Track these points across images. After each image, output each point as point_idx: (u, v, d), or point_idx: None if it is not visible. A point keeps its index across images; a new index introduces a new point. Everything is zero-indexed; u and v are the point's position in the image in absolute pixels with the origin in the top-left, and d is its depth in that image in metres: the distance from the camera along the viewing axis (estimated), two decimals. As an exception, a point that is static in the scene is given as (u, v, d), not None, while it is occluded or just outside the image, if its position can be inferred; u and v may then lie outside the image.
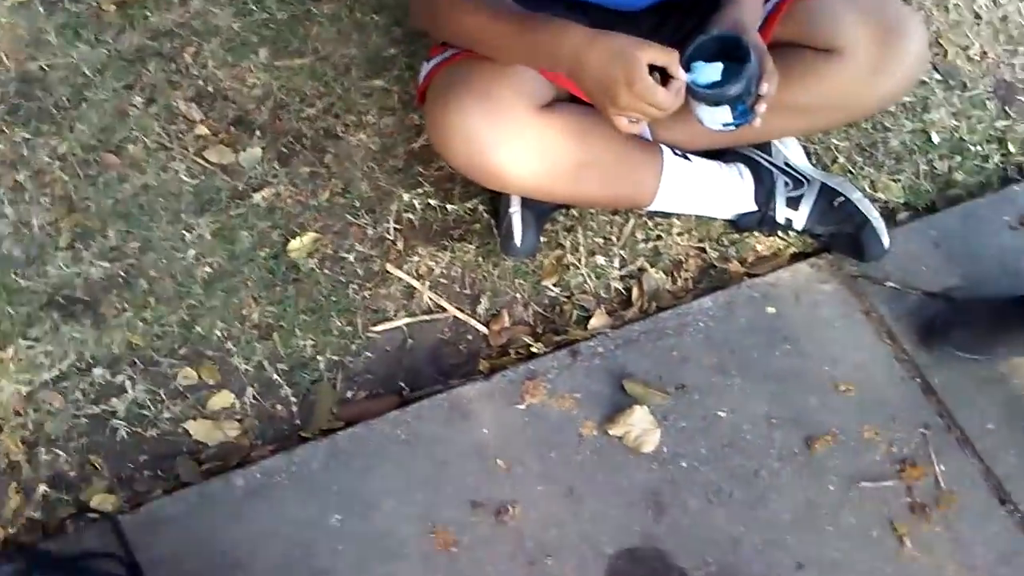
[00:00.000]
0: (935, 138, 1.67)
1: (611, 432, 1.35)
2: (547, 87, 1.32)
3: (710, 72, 1.18)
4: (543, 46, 1.20)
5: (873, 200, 1.59)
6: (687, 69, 1.17)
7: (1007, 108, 1.72)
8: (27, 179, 1.53)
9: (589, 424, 1.36)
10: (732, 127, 1.24)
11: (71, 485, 1.31)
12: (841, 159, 1.63)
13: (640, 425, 1.36)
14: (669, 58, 1.15)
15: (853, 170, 1.62)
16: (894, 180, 1.62)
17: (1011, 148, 1.67)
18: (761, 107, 1.21)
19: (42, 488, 1.31)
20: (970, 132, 1.68)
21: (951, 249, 1.54)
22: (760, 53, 1.21)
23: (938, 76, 1.74)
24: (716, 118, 1.23)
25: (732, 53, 1.18)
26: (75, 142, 1.57)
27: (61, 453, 1.33)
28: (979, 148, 1.67)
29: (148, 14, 1.70)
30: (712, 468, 1.34)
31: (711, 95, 1.18)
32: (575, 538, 1.28)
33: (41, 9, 1.70)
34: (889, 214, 1.59)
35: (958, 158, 1.66)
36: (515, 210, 1.44)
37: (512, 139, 1.27)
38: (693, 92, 1.19)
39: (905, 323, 1.46)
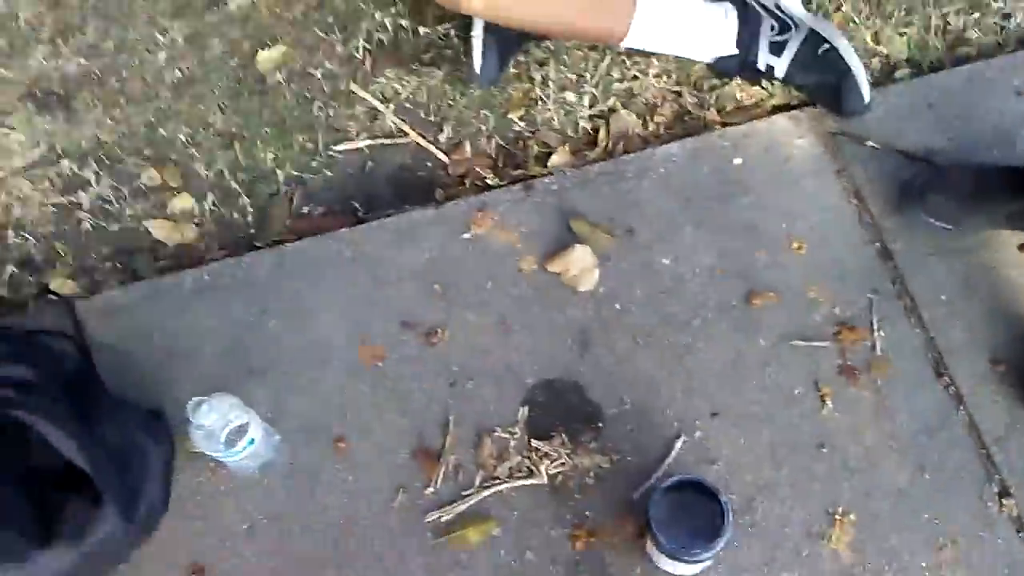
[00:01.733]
0: (955, -11, 1.53)
1: (549, 268, 1.35)
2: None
3: None
4: None
5: (874, 54, 1.49)
6: None
7: (1045, -42, 1.56)
8: (16, -28, 1.56)
9: (530, 259, 1.36)
10: None
11: (36, 268, 1.40)
12: (846, 7, 1.52)
13: (580, 264, 1.35)
14: None
15: (857, 20, 1.51)
16: (899, 34, 1.51)
17: (1040, 6, 1.53)
18: None
19: (10, 268, 1.39)
20: (998, -15, 1.54)
21: (945, 111, 1.44)
22: None
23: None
24: None
25: None
26: (63, -63, 1.57)
27: (29, 238, 1.41)
28: (1002, 4, 1.53)
29: None
30: (645, 312, 1.33)
31: None
32: (499, 366, 1.31)
33: None
34: (890, 70, 1.48)
35: (976, 14, 1.52)
36: (476, 34, 1.39)
37: None
38: None
39: (878, 185, 1.39)
